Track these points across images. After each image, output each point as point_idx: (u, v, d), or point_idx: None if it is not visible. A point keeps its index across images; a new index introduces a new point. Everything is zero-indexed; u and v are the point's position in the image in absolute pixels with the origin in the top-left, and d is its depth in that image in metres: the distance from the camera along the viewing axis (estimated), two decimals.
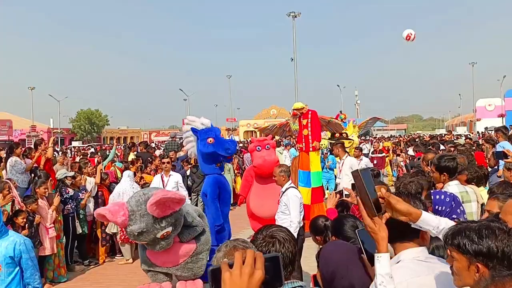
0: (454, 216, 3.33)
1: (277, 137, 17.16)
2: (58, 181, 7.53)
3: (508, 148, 6.70)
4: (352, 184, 6.76)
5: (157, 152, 15.77)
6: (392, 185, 10.90)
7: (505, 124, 23.19)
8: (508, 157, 5.47)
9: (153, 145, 23.60)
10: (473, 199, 4.12)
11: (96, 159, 11.00)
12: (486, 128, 38.23)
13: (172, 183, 7.69)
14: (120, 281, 6.75)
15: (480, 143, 13.33)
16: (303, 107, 7.70)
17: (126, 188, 7.51)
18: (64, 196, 7.18)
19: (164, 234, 3.25)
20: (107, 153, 13.27)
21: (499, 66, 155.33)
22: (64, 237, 7.03)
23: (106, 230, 7.61)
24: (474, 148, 10.67)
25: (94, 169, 8.50)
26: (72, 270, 7.23)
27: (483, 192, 4.52)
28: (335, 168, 11.17)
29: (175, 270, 3.70)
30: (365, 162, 10.69)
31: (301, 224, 5.60)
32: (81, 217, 7.50)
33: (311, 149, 7.41)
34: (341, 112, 14.06)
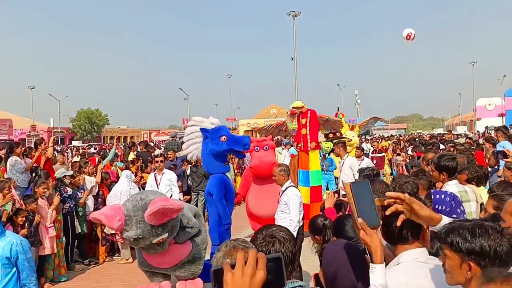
0: (454, 216, 3.32)
1: (278, 137, 17.17)
2: (57, 180, 7.54)
3: (508, 147, 6.70)
4: None
5: (157, 152, 15.76)
6: None
7: (505, 124, 23.18)
8: (508, 156, 5.48)
9: (151, 144, 23.56)
10: (472, 198, 4.12)
11: (96, 159, 11.00)
12: (486, 128, 38.22)
13: (165, 181, 7.68)
14: (120, 281, 6.75)
15: (481, 142, 13.31)
16: (303, 106, 7.70)
17: (124, 188, 7.53)
18: (63, 195, 7.19)
19: (160, 240, 3.22)
20: (108, 152, 13.28)
21: (499, 66, 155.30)
22: (64, 237, 7.03)
23: (105, 230, 7.62)
24: (474, 147, 10.67)
25: (95, 168, 8.51)
26: (72, 269, 7.23)
27: (483, 192, 4.51)
28: (334, 169, 11.17)
29: (172, 270, 3.68)
30: (366, 162, 10.63)
31: (301, 223, 5.60)
32: (80, 215, 7.50)
33: (309, 148, 7.41)
34: (338, 109, 14.04)
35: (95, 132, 66.21)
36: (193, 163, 10.71)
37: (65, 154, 15.69)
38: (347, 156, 9.28)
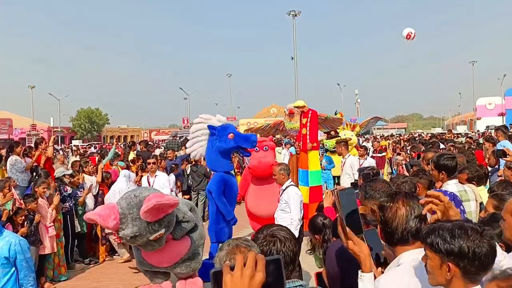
0: None
1: (278, 136, 17.15)
2: (56, 179, 7.55)
3: (509, 147, 6.70)
4: (351, 183, 6.77)
5: (157, 151, 15.77)
6: None
7: (505, 123, 23.18)
8: (508, 155, 5.47)
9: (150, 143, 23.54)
10: (471, 198, 4.12)
11: (96, 158, 11.00)
12: (487, 127, 38.20)
13: (157, 183, 7.56)
14: (120, 280, 6.75)
15: (481, 142, 13.31)
16: (304, 106, 7.68)
17: (122, 187, 7.51)
18: (63, 194, 7.19)
19: (157, 236, 3.20)
20: (108, 152, 13.26)
21: (500, 65, 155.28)
22: (63, 236, 7.04)
23: (105, 230, 7.61)
24: (474, 147, 10.67)
25: (95, 167, 8.51)
26: (73, 268, 7.24)
27: (483, 191, 4.51)
28: (333, 168, 11.15)
29: (172, 268, 3.65)
30: (369, 162, 10.55)
31: (301, 223, 5.61)
32: (80, 214, 7.51)
33: (308, 148, 7.40)
34: (336, 113, 14.02)
35: (95, 132, 66.24)
36: (193, 163, 10.71)
37: (64, 153, 15.70)
38: (349, 156, 9.26)
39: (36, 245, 6.08)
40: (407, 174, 6.67)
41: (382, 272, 2.05)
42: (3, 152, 9.03)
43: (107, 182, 8.30)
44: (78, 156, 14.13)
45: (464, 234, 1.61)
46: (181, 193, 10.41)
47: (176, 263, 3.58)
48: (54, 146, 11.49)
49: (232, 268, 1.13)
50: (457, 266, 1.60)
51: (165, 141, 26.53)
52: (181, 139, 15.99)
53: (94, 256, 7.89)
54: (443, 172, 4.04)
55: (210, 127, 5.63)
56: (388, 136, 29.88)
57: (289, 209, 5.52)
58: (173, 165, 10.03)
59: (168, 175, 8.84)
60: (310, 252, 3.77)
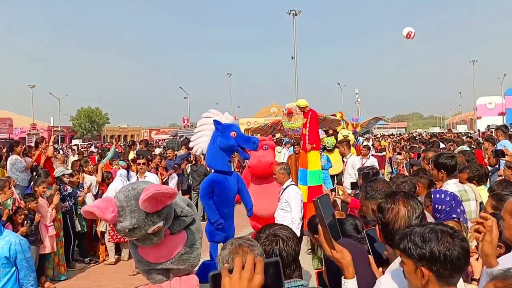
0: (454, 215, 3.32)
1: (278, 135, 17.15)
2: (56, 179, 7.55)
3: (508, 147, 6.70)
4: (352, 183, 6.77)
5: (157, 150, 15.77)
6: None
7: (505, 123, 23.17)
8: (506, 155, 5.47)
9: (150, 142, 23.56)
10: (471, 197, 4.12)
11: (96, 158, 11.01)
12: (488, 126, 38.20)
13: None
14: (120, 279, 6.75)
15: (481, 141, 13.31)
16: (306, 106, 7.64)
17: (119, 187, 7.46)
18: (63, 194, 7.19)
19: (156, 229, 3.20)
20: (108, 151, 13.27)
21: (500, 64, 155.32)
22: (63, 235, 7.04)
23: (97, 228, 7.62)
24: (474, 146, 10.67)
25: (95, 167, 8.50)
26: (73, 268, 7.24)
27: (483, 191, 4.51)
28: (330, 167, 11.12)
29: (170, 263, 3.63)
30: (371, 162, 10.51)
31: (302, 222, 5.61)
32: (79, 213, 7.51)
33: (308, 149, 7.39)
34: (334, 115, 14.05)
35: (95, 131, 66.26)
36: (193, 162, 10.71)
37: (64, 152, 15.70)
38: (351, 155, 9.23)
39: (36, 245, 6.08)
40: (407, 173, 6.68)
41: (383, 273, 2.05)
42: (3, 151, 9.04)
43: (107, 182, 8.30)
44: (76, 155, 14.14)
45: (434, 238, 1.60)
46: (181, 192, 10.41)
47: (173, 258, 3.55)
48: (54, 145, 11.49)
49: (230, 271, 1.13)
50: (430, 270, 1.58)
51: (165, 140, 26.54)
52: (181, 139, 15.97)
53: (94, 256, 7.89)
54: (442, 171, 4.04)
55: (215, 122, 5.61)
56: (386, 136, 29.88)
57: (290, 208, 5.52)
58: (175, 165, 10.02)
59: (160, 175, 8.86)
60: (310, 252, 3.77)
